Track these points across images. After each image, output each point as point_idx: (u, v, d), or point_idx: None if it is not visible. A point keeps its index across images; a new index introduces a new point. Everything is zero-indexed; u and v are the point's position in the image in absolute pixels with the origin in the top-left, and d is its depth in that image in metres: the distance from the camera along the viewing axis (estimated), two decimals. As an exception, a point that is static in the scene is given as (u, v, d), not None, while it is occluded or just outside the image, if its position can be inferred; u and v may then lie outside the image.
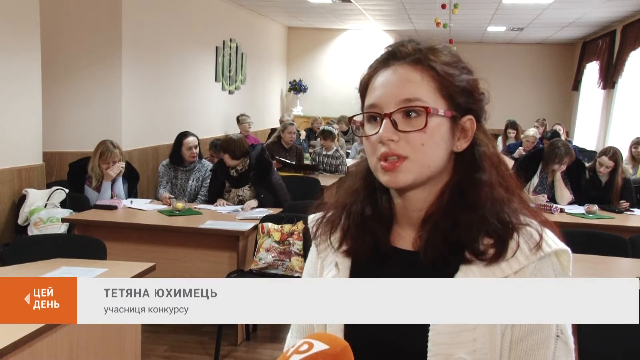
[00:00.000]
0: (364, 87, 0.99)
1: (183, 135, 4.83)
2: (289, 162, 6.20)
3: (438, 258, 0.93)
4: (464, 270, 0.92)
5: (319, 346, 0.84)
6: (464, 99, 0.95)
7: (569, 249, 0.93)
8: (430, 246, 0.94)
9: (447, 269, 0.93)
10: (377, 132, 0.93)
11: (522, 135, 7.42)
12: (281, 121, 8.83)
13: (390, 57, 0.96)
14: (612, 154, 4.84)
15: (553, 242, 0.93)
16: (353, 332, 0.97)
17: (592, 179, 4.89)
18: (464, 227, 0.93)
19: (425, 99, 0.92)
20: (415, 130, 0.91)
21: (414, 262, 0.95)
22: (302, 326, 1.07)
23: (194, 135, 4.84)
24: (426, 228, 0.96)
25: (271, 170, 4.59)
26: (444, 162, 0.96)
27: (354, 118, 1.01)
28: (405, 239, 1.00)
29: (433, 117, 0.92)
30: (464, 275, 0.92)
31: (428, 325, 0.90)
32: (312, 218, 1.10)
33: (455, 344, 0.89)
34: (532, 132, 7.14)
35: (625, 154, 5.75)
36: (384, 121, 0.92)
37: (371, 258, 1.00)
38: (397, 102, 0.92)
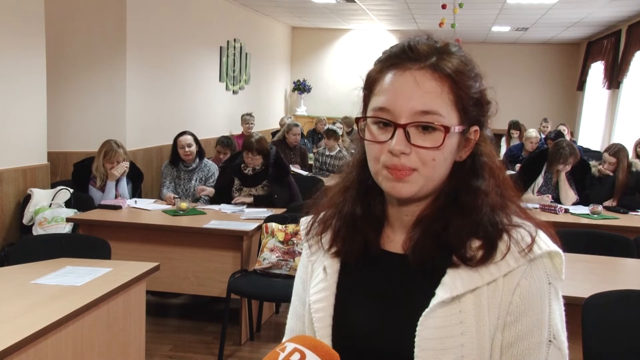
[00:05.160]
0: (372, 82, 0.93)
1: (178, 135, 4.86)
2: (296, 171, 6.23)
3: (426, 259, 0.91)
4: (451, 274, 0.90)
5: (312, 358, 0.82)
6: (475, 111, 0.93)
7: (561, 251, 0.90)
8: (419, 247, 0.92)
9: (435, 272, 0.91)
10: (387, 141, 0.89)
11: (524, 137, 7.41)
12: (281, 123, 8.85)
13: (405, 57, 0.90)
14: (615, 151, 4.84)
15: (545, 244, 0.90)
16: (340, 337, 0.96)
17: (602, 177, 4.88)
18: (455, 230, 0.91)
19: (442, 112, 0.88)
20: (430, 148, 0.88)
21: (403, 264, 0.93)
22: (295, 332, 1.07)
23: (189, 134, 4.85)
24: (417, 229, 0.94)
25: (289, 171, 4.64)
26: (447, 174, 0.94)
27: (364, 118, 0.95)
28: (395, 242, 0.98)
29: (450, 137, 0.89)
30: (451, 278, 0.89)
31: (415, 330, 0.88)
32: (305, 219, 1.08)
33: (442, 349, 0.87)
34: (534, 132, 7.13)
35: (630, 154, 5.73)
36: (397, 132, 0.88)
37: (360, 260, 0.98)
38: (413, 114, 0.88)
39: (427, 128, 0.89)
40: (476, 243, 0.90)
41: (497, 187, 0.95)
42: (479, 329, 0.87)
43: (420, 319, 0.88)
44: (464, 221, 0.91)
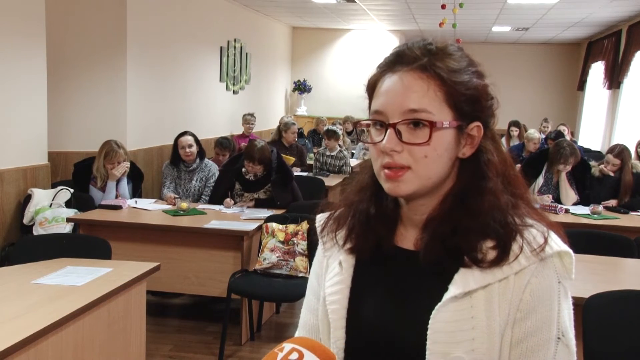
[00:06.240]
0: (372, 88, 0.98)
1: (179, 135, 4.87)
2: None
3: (436, 262, 0.94)
4: (463, 272, 0.92)
5: (310, 357, 0.83)
6: (471, 107, 0.94)
7: (571, 251, 0.92)
8: (429, 250, 0.94)
9: (447, 269, 0.93)
10: (381, 141, 0.93)
11: (524, 138, 7.40)
12: (281, 123, 8.84)
13: (398, 61, 0.94)
14: (619, 152, 4.83)
15: (556, 244, 0.92)
16: (354, 329, 0.99)
17: (603, 177, 4.88)
18: (463, 234, 0.92)
19: (431, 109, 0.91)
20: (419, 144, 0.91)
21: (416, 261, 0.95)
22: (308, 325, 1.09)
23: (190, 134, 4.85)
24: (426, 232, 0.96)
25: (292, 176, 4.61)
26: (447, 171, 0.95)
27: (361, 122, 1.00)
28: (408, 239, 1.00)
29: (438, 131, 0.91)
30: (463, 275, 0.91)
31: (427, 324, 0.91)
32: (320, 217, 1.11)
33: (453, 342, 0.89)
34: (536, 134, 7.13)
35: (631, 154, 5.72)
36: (388, 131, 0.92)
37: (374, 256, 1.01)
38: (402, 112, 0.91)
39: (418, 125, 0.91)
40: (488, 244, 0.92)
41: (506, 186, 0.96)
42: (490, 324, 0.89)
43: (433, 312, 0.91)
44: (472, 223, 0.93)
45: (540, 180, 4.91)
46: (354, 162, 7.03)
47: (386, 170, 0.93)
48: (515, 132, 8.43)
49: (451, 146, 0.94)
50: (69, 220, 4.15)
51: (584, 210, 4.55)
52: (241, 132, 7.68)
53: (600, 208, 4.45)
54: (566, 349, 0.91)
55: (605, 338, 2.13)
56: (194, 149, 4.82)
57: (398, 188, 0.93)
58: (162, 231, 3.90)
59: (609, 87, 9.15)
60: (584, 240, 3.42)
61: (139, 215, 4.16)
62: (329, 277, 1.04)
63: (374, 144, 0.95)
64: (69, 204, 4.38)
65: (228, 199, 4.45)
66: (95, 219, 3.99)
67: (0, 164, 4.23)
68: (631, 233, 3.79)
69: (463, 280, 0.91)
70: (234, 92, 8.66)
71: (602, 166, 4.93)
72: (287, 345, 0.86)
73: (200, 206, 4.46)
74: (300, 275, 3.63)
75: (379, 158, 0.94)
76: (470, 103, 0.94)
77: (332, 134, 6.51)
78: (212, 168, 4.93)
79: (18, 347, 1.89)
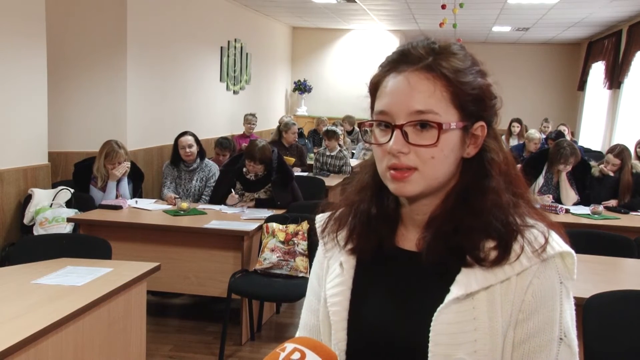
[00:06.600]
0: (375, 88, 0.97)
1: (179, 135, 4.87)
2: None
3: (439, 261, 0.93)
4: (465, 272, 0.91)
5: (312, 357, 0.83)
6: (476, 107, 0.93)
7: (573, 252, 0.92)
8: (431, 249, 0.94)
9: (449, 270, 0.93)
10: (387, 142, 0.92)
11: (525, 138, 7.41)
12: (281, 123, 8.83)
13: (402, 60, 0.93)
14: (619, 152, 4.83)
15: (557, 244, 0.91)
16: (355, 331, 0.98)
17: (603, 177, 4.88)
18: (466, 232, 0.92)
19: (438, 110, 0.90)
20: (426, 145, 0.90)
21: (417, 262, 0.95)
22: (309, 326, 1.08)
23: (190, 134, 4.86)
24: (429, 231, 0.96)
25: (293, 176, 4.60)
26: (453, 171, 0.95)
27: (365, 122, 0.99)
28: (409, 239, 1.00)
29: (445, 132, 0.90)
30: (465, 276, 0.91)
31: (429, 325, 0.90)
32: (320, 217, 1.11)
33: (455, 344, 0.89)
34: (537, 134, 7.14)
35: (631, 154, 5.72)
36: (395, 132, 0.91)
37: (375, 257, 1.00)
38: (408, 114, 0.91)
39: (424, 126, 0.91)
40: (490, 244, 0.91)
41: (508, 185, 0.96)
42: (492, 325, 0.89)
43: (435, 314, 0.90)
44: (475, 222, 0.92)
45: (540, 180, 4.91)
46: (354, 162, 7.03)
47: (392, 171, 0.92)
48: (516, 128, 8.45)
49: (457, 146, 0.93)
50: (69, 220, 4.15)
51: (584, 210, 4.55)
52: (242, 132, 7.68)
53: (600, 208, 4.45)
54: (568, 350, 0.90)
55: (605, 338, 2.13)
56: (194, 149, 4.83)
57: (404, 189, 0.93)
58: (162, 231, 3.90)
59: (610, 87, 9.15)
60: (584, 240, 3.42)
61: (139, 215, 4.16)
62: (330, 278, 1.04)
63: (379, 145, 0.94)
64: (69, 204, 4.38)
65: (232, 193, 4.44)
66: (96, 219, 3.99)
67: (1, 164, 4.23)
68: (631, 233, 3.79)
69: (465, 281, 0.90)
70: (234, 92, 8.66)
71: (602, 166, 4.93)
72: (289, 345, 0.85)
73: (201, 206, 4.46)
74: (301, 275, 3.63)
75: (385, 159, 0.93)
76: (475, 103, 0.93)
77: (332, 134, 6.52)
78: (213, 168, 4.93)
79: (18, 347, 1.89)
